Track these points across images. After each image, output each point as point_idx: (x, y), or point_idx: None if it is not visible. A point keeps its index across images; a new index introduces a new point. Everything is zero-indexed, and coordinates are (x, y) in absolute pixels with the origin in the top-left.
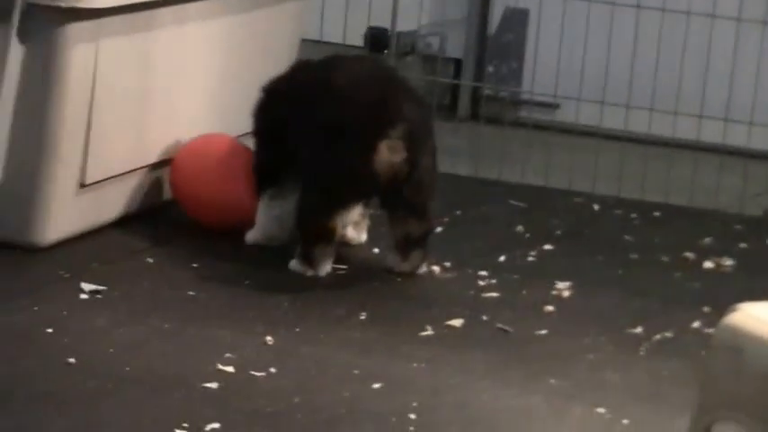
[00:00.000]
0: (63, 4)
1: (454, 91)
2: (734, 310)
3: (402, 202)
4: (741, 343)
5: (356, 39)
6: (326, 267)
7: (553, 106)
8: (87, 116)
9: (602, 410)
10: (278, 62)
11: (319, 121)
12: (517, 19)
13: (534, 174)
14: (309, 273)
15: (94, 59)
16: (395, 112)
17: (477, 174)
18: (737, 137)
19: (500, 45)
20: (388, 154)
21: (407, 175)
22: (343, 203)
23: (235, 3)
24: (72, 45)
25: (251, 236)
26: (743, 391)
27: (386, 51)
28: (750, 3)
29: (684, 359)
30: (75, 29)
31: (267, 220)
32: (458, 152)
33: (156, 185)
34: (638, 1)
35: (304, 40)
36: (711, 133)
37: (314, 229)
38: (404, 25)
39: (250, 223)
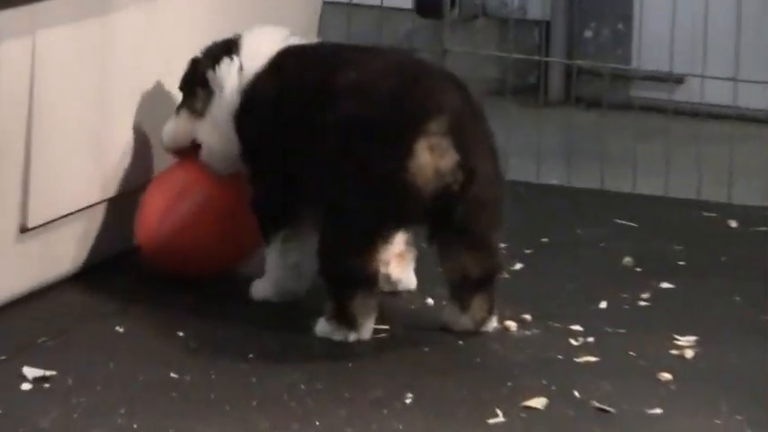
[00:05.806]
0: None
1: (543, 66)
2: None
3: (456, 229)
4: None
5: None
6: (370, 326)
7: (674, 81)
8: (25, 137)
9: None
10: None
11: (329, 127)
12: None
13: (648, 178)
14: (352, 337)
15: (31, 58)
16: (433, 101)
17: (570, 182)
18: None
19: (599, 1)
20: (431, 157)
21: (462, 187)
22: (379, 234)
23: None
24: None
25: (259, 290)
26: None
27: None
28: None
29: None
30: (3, 18)
31: (280, 270)
32: (545, 150)
33: (123, 225)
34: None
35: (329, 4)
36: None
37: (346, 275)
38: None
39: (246, 268)
